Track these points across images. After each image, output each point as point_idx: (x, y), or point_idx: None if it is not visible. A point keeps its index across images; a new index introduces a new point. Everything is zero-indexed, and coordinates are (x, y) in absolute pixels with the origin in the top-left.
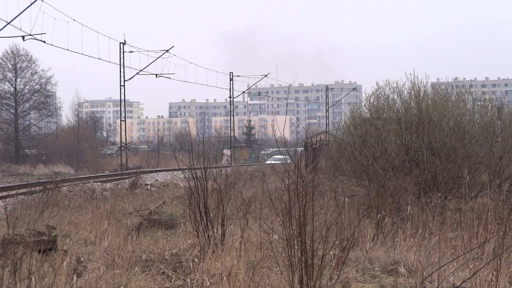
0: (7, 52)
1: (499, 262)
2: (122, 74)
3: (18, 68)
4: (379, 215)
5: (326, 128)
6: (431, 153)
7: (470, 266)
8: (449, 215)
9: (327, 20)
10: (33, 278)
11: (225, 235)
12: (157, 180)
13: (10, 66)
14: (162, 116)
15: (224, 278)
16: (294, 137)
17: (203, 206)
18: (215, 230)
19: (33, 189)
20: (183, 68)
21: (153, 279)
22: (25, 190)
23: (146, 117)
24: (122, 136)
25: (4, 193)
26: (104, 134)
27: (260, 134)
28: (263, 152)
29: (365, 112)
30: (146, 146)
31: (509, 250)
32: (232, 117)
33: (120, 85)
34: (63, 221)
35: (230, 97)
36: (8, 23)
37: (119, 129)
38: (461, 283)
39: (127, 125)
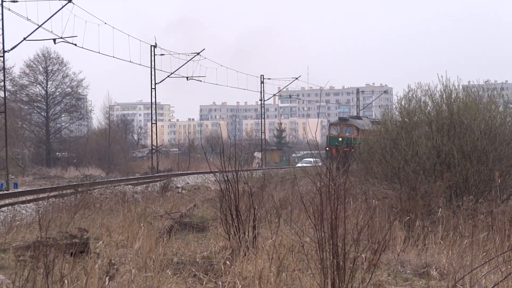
0: (38, 55)
1: None
2: (153, 77)
3: (49, 71)
4: (410, 218)
5: None
6: (462, 156)
7: (502, 269)
8: (481, 218)
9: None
10: (65, 281)
11: (256, 238)
12: (188, 183)
13: (41, 69)
14: (193, 119)
15: (256, 281)
16: (325, 140)
17: (235, 209)
18: (246, 233)
19: (64, 192)
20: (214, 70)
21: (185, 282)
22: (56, 193)
23: (177, 120)
24: (153, 139)
25: (36, 196)
26: (135, 137)
27: (291, 137)
28: (294, 155)
29: (396, 115)
30: (177, 149)
31: None
32: (263, 120)
33: (151, 88)
34: (94, 223)
35: (261, 100)
36: (40, 26)
37: (150, 132)
38: (493, 286)
39: (158, 128)
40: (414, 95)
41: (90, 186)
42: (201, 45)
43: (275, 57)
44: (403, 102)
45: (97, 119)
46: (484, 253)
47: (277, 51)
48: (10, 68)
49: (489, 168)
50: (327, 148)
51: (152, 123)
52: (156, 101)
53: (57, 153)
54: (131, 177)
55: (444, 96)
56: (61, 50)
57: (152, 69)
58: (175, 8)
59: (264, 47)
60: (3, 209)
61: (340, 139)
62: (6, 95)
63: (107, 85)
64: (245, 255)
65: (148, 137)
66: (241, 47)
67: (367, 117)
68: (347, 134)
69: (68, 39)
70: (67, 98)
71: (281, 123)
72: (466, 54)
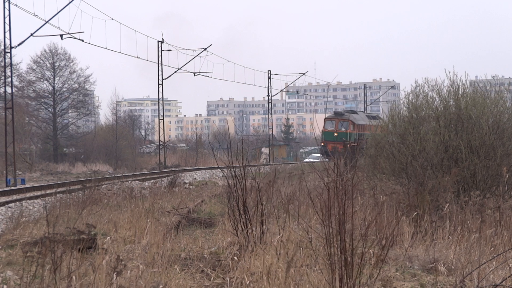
0: (45, 51)
1: None
2: (160, 73)
3: (57, 67)
4: (417, 213)
5: None
6: (470, 151)
7: (510, 265)
8: (489, 213)
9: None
10: (73, 277)
11: (264, 233)
12: (195, 178)
13: (48, 65)
14: (200, 115)
15: (264, 276)
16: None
17: (242, 204)
18: (254, 228)
19: (72, 187)
20: (221, 66)
21: (192, 278)
22: (64, 188)
23: (184, 115)
24: (160, 135)
25: (43, 192)
26: (142, 132)
27: (298, 132)
28: (301, 150)
29: (403, 110)
30: (184, 145)
31: None
32: (270, 116)
33: (158, 84)
34: (102, 219)
35: (268, 96)
36: (47, 22)
37: (157, 127)
38: (501, 281)
39: (165, 124)
40: (421, 90)
41: (97, 182)
42: (200, 42)
43: (282, 53)
44: (410, 97)
45: (104, 115)
46: (492, 249)
47: (284, 47)
48: (17, 64)
49: (497, 163)
50: (322, 144)
51: (159, 119)
52: (164, 97)
53: (65, 149)
54: (139, 173)
55: (452, 91)
56: (68, 46)
57: (159, 65)
58: (165, 4)
59: (270, 43)
60: (10, 205)
61: (335, 134)
62: (14, 91)
63: (115, 81)
64: (253, 251)
65: (155, 132)
66: (243, 43)
67: (363, 112)
68: (342, 129)
69: (75, 35)
70: (74, 94)
71: (288, 119)
72: (473, 49)
